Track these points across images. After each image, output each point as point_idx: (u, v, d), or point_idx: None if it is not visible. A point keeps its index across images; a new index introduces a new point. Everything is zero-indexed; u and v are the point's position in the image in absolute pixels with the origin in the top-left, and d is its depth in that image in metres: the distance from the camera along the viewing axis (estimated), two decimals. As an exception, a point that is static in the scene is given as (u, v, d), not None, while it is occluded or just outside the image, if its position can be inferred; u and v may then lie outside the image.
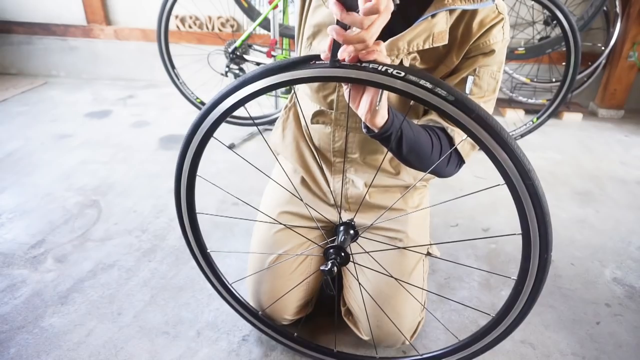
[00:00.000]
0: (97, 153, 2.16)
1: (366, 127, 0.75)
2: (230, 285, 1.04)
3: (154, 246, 1.52)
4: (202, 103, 2.43)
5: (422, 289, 1.10)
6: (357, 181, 1.07)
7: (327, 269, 0.80)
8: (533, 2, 2.03)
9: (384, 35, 0.79)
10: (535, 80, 2.86)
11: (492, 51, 0.85)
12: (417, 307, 1.08)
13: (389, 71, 0.62)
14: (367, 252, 0.98)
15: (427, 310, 1.23)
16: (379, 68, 0.63)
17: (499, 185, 0.68)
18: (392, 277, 0.98)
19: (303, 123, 1.09)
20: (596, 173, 2.12)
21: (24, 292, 1.30)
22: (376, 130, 0.74)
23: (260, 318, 1.09)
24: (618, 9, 2.63)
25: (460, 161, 0.90)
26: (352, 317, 1.13)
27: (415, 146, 0.80)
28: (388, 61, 0.64)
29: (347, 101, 0.72)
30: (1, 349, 1.12)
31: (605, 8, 2.64)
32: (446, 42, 0.83)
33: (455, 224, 1.68)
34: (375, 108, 0.68)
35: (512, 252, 1.53)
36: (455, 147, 0.87)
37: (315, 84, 0.96)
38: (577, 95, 2.93)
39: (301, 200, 1.01)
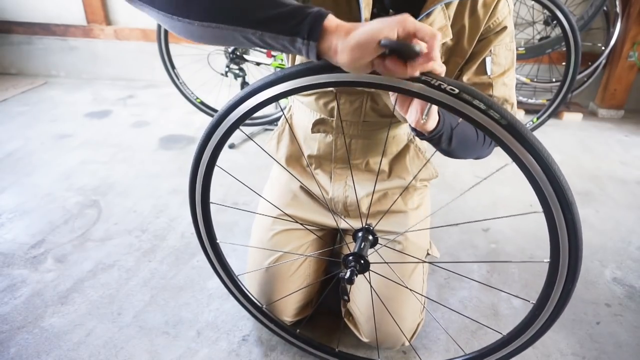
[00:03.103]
0: (97, 153, 2.16)
1: (414, 130, 0.74)
2: (237, 277, 1.04)
3: (154, 246, 1.52)
4: (202, 103, 2.43)
5: (422, 294, 1.10)
6: (358, 189, 1.06)
7: (346, 277, 0.78)
8: (533, 2, 2.03)
9: None
10: (535, 80, 2.86)
11: (504, 28, 0.84)
12: (417, 309, 1.08)
13: (442, 86, 0.59)
14: (387, 263, 0.97)
15: (430, 314, 1.23)
16: (432, 81, 0.59)
17: (536, 212, 0.66)
18: (401, 285, 0.98)
19: (300, 135, 1.08)
20: (596, 173, 2.12)
21: (24, 292, 1.30)
22: (426, 134, 0.73)
23: (264, 312, 1.09)
24: (618, 9, 2.63)
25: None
26: (352, 318, 1.13)
27: (463, 138, 0.80)
28: (443, 69, 0.61)
29: (394, 105, 0.71)
30: (1, 349, 1.12)
31: (605, 8, 2.64)
32: (450, 36, 0.81)
33: (456, 224, 1.68)
34: (423, 117, 0.67)
35: (513, 252, 1.53)
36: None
37: (317, 91, 0.95)
38: (577, 95, 2.93)
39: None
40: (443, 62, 0.85)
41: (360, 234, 0.88)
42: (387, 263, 0.97)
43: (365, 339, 1.09)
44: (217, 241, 0.97)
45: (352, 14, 0.80)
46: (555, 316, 0.75)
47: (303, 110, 1.03)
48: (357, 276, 0.81)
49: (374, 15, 0.80)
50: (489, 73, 0.86)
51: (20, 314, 1.23)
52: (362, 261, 0.82)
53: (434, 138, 0.75)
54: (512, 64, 0.89)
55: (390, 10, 0.80)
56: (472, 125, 0.61)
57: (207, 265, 1.42)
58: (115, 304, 1.27)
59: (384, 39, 0.53)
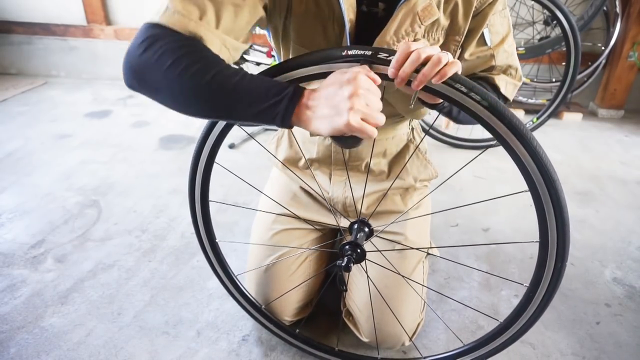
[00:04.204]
0: (97, 153, 2.16)
1: (425, 102, 0.76)
2: (236, 277, 1.04)
3: (154, 246, 1.52)
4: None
5: (423, 285, 1.10)
6: (357, 190, 1.06)
7: (343, 264, 0.80)
8: (533, 2, 2.03)
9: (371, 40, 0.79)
10: (535, 80, 2.86)
11: None
12: (417, 309, 1.08)
13: None
14: (380, 251, 0.98)
15: (430, 308, 1.23)
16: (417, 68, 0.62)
17: (522, 192, 0.69)
18: (400, 275, 0.98)
19: (299, 139, 1.08)
20: (596, 173, 2.12)
21: (24, 292, 1.30)
22: (437, 105, 0.76)
23: (263, 312, 1.09)
24: (618, 9, 2.63)
25: (506, 103, 0.93)
26: (352, 318, 1.13)
27: None
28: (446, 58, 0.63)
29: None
30: (1, 349, 1.12)
31: (605, 8, 2.64)
32: (437, 15, 0.79)
33: (455, 224, 1.68)
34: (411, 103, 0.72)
35: (512, 252, 1.53)
36: (501, 92, 0.91)
37: None
38: (577, 95, 2.93)
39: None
40: (443, 43, 0.85)
41: (355, 225, 0.90)
42: (381, 251, 0.97)
43: (365, 339, 1.09)
44: (216, 240, 0.97)
45: (335, 16, 0.79)
46: (549, 297, 0.75)
47: None
48: (353, 264, 0.82)
49: (361, 15, 0.79)
50: (489, 44, 0.87)
51: (20, 314, 1.23)
52: (359, 250, 0.84)
53: (445, 106, 0.77)
54: (509, 29, 0.89)
55: (380, 4, 0.80)
56: (456, 107, 0.64)
57: (207, 265, 1.42)
58: (115, 304, 1.27)
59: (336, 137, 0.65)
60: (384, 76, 0.65)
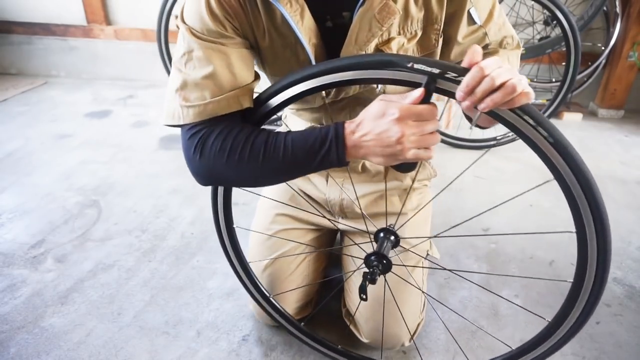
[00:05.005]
0: (97, 153, 2.16)
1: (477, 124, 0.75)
2: (248, 264, 1.03)
3: (154, 246, 1.52)
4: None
5: (423, 290, 1.10)
6: (354, 191, 1.06)
7: (369, 277, 0.79)
8: (533, 2, 2.03)
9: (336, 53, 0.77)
10: (535, 80, 2.86)
11: None
12: (417, 309, 1.08)
13: None
14: (405, 266, 0.97)
15: (432, 307, 1.23)
16: None
17: (570, 232, 0.68)
18: (407, 281, 0.98)
19: None
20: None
21: (24, 292, 1.30)
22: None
23: (270, 302, 1.08)
24: (618, 9, 2.62)
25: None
26: (352, 318, 1.13)
27: None
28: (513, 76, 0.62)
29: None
30: (1, 349, 1.12)
31: (605, 8, 2.63)
32: (397, 13, 0.75)
33: (456, 224, 1.68)
34: (473, 125, 0.73)
35: (512, 252, 1.53)
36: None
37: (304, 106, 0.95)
38: (577, 95, 2.92)
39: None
40: (422, 35, 0.82)
41: (381, 234, 0.87)
42: (406, 266, 0.97)
43: (365, 340, 1.09)
44: (234, 226, 0.97)
45: (301, 42, 0.78)
46: (575, 330, 0.74)
47: (296, 122, 1.03)
48: (379, 276, 0.80)
49: (326, 30, 0.78)
50: (478, 22, 0.84)
51: (20, 314, 1.23)
52: (385, 261, 0.81)
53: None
54: (493, 2, 0.86)
55: (345, 13, 0.78)
56: (519, 137, 0.63)
57: (207, 265, 1.43)
58: (115, 304, 1.28)
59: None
60: (448, 93, 0.62)
